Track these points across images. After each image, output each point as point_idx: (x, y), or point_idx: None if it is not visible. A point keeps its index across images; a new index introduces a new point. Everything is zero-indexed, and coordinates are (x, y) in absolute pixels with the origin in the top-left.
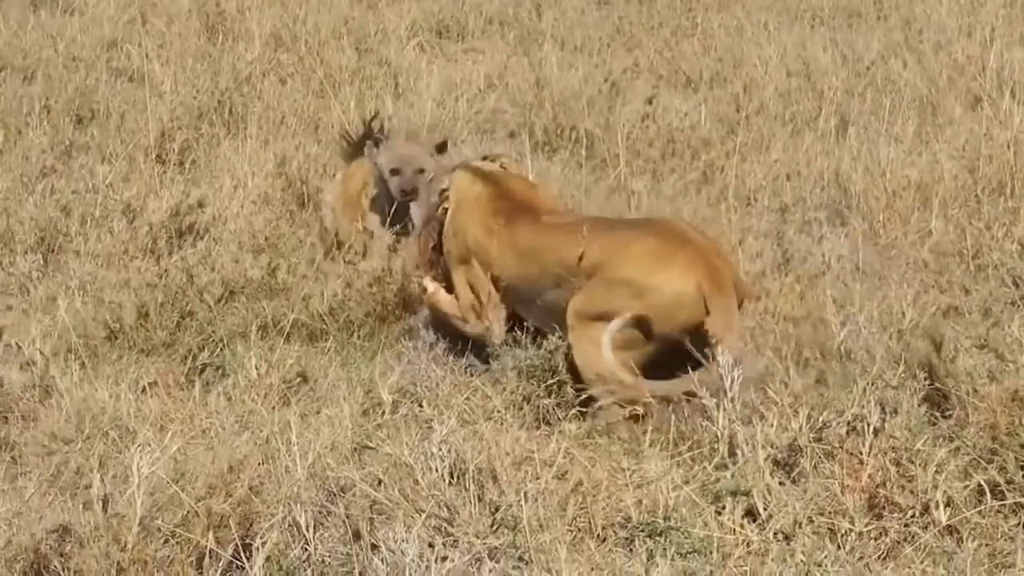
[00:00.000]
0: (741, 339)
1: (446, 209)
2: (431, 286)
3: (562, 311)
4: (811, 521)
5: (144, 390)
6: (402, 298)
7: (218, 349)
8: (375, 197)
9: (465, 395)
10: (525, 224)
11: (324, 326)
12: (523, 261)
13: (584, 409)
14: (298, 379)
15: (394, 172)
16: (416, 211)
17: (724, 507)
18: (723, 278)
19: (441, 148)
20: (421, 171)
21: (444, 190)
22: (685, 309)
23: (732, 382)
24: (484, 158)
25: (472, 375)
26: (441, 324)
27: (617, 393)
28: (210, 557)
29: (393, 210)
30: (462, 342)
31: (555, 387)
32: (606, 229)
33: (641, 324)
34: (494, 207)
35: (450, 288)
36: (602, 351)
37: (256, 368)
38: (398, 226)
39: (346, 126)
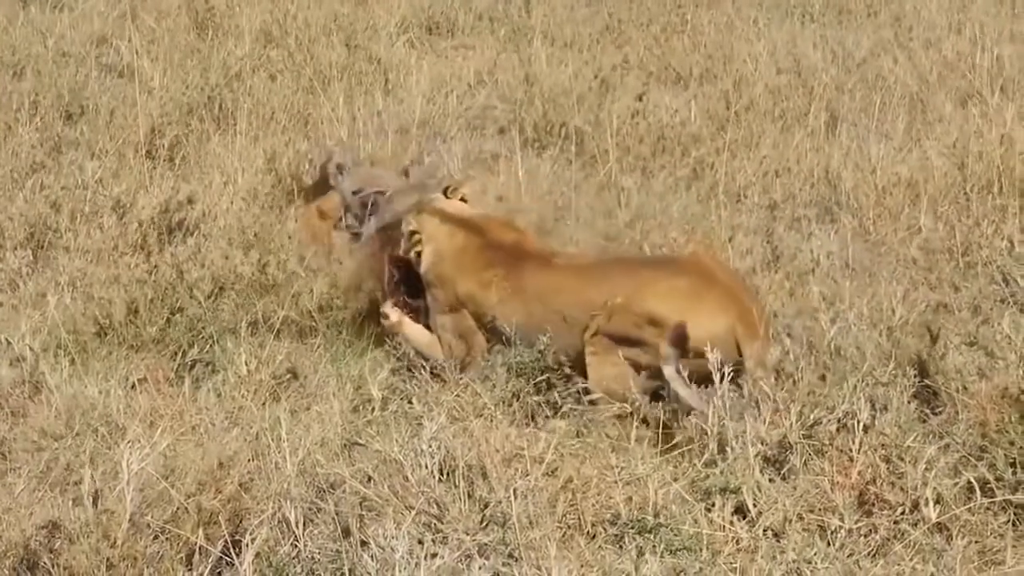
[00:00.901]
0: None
1: (418, 253)
2: (393, 315)
3: (570, 350)
4: (801, 518)
5: (134, 386)
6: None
7: (208, 345)
8: (343, 229)
9: (455, 392)
10: (533, 270)
11: (314, 323)
12: (532, 306)
13: (575, 407)
14: (288, 375)
15: (356, 193)
16: (370, 225)
17: (714, 504)
18: (754, 320)
19: (406, 173)
20: (382, 193)
21: (413, 232)
22: (715, 350)
23: (721, 378)
24: (445, 190)
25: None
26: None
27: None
28: (200, 553)
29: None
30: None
31: (544, 384)
32: (628, 267)
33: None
34: (486, 259)
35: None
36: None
37: (246, 364)
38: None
39: (301, 170)
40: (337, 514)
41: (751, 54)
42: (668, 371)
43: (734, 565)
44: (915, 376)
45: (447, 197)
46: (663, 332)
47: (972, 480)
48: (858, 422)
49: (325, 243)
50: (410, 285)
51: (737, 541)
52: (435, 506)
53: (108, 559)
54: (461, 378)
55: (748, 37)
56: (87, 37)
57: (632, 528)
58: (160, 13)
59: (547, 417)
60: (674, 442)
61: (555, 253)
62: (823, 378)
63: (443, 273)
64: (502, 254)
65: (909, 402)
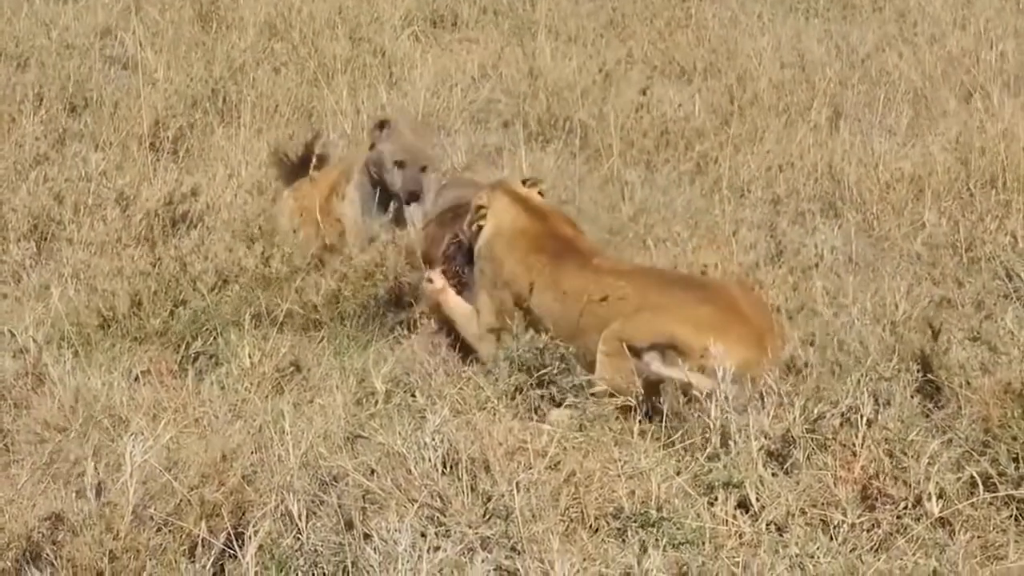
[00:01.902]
0: None
1: (480, 226)
2: (439, 281)
3: (589, 352)
4: (804, 512)
5: (137, 378)
6: (394, 296)
7: (211, 338)
8: (357, 183)
9: (458, 385)
10: (572, 266)
11: (317, 316)
12: (565, 302)
13: (576, 400)
14: (291, 368)
15: (399, 164)
16: (417, 212)
17: (716, 498)
18: (775, 356)
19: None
20: (424, 168)
21: (481, 206)
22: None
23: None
24: (524, 181)
25: (465, 365)
26: (443, 321)
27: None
28: (202, 546)
29: (377, 199)
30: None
31: (547, 378)
32: (661, 283)
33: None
34: (538, 244)
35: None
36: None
37: (249, 357)
38: (383, 217)
39: (283, 146)
40: (340, 507)
41: (755, 49)
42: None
43: (736, 559)
44: (918, 371)
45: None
46: (682, 353)
47: (975, 475)
48: (861, 416)
49: (323, 221)
50: (464, 260)
51: (740, 535)
52: (438, 499)
53: (111, 551)
54: (464, 371)
55: (752, 32)
56: (91, 29)
57: (635, 522)
58: (164, 5)
59: (547, 410)
60: (678, 435)
61: (597, 254)
62: (828, 373)
63: (495, 250)
64: (552, 244)
65: (912, 397)
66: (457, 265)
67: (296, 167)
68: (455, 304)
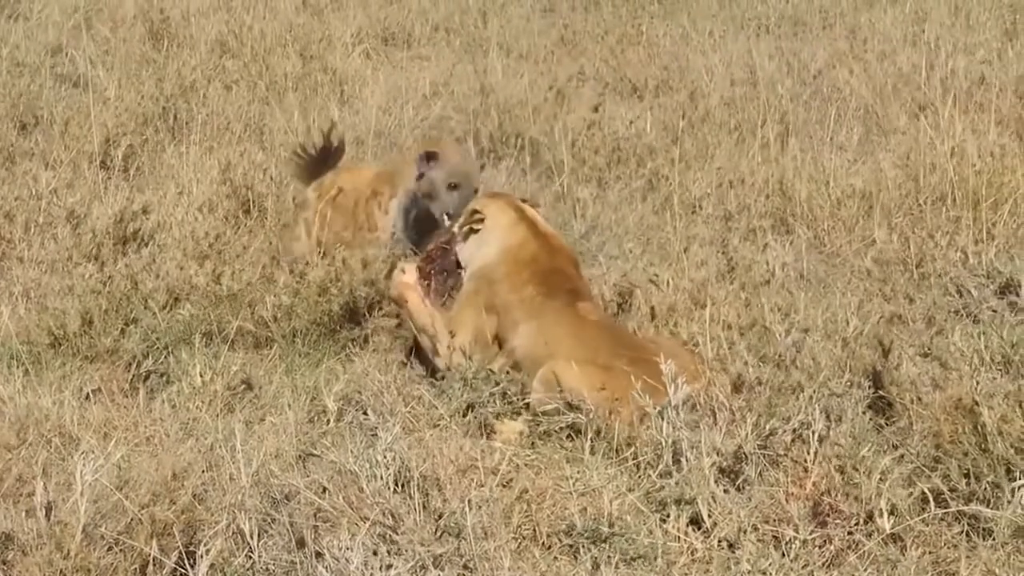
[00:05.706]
0: None
1: (473, 230)
2: (410, 276)
3: None
4: (756, 529)
5: (88, 397)
6: (348, 311)
7: (162, 356)
8: (401, 203)
9: (409, 404)
10: (559, 303)
11: (269, 333)
12: (537, 337)
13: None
14: (243, 386)
15: (452, 187)
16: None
17: (669, 515)
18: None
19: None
20: (477, 191)
21: (476, 212)
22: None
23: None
24: (523, 201)
25: (418, 383)
26: (404, 315)
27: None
28: (153, 565)
29: (413, 222)
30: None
31: (499, 395)
32: (620, 338)
33: None
34: (542, 278)
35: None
36: None
37: (200, 375)
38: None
39: (299, 141)
40: (292, 525)
41: (706, 66)
42: None
43: (689, 575)
44: (870, 387)
45: None
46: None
47: (926, 491)
48: (813, 433)
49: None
50: (444, 266)
51: (692, 551)
52: (390, 517)
53: (61, 571)
54: (417, 388)
55: (703, 49)
56: (42, 47)
57: (587, 538)
58: (115, 23)
59: (495, 420)
60: (630, 451)
61: (586, 298)
62: (779, 389)
63: (495, 274)
64: (555, 281)
65: (864, 413)
66: (435, 267)
67: (316, 161)
68: (419, 305)
